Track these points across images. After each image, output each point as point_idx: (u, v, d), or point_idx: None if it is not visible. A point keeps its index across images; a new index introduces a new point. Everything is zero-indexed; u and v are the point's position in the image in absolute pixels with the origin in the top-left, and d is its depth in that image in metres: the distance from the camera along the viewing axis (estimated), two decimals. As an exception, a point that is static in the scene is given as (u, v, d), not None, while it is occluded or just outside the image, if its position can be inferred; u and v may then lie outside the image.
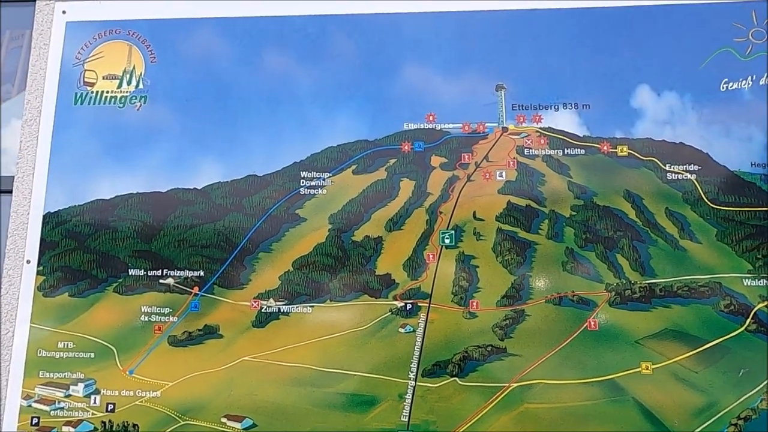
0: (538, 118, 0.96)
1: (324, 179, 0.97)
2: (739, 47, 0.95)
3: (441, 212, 0.94)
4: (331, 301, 0.93)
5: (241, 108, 0.99)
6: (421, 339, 0.90)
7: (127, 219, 0.98)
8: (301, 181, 0.97)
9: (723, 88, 0.94)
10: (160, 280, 0.95)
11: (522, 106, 0.97)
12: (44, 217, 0.98)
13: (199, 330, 0.93)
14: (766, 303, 0.88)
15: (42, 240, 0.98)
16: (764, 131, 0.92)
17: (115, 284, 0.96)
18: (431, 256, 0.93)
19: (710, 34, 0.96)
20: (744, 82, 0.94)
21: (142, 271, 0.96)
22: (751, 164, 0.92)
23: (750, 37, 0.95)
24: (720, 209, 0.91)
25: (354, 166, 0.97)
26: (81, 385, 0.93)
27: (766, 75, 0.94)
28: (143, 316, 0.94)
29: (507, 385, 0.88)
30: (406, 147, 0.97)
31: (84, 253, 0.97)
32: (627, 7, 0.98)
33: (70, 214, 0.98)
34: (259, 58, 1.01)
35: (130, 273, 0.96)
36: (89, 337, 0.94)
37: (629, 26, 0.97)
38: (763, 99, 0.93)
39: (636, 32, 0.97)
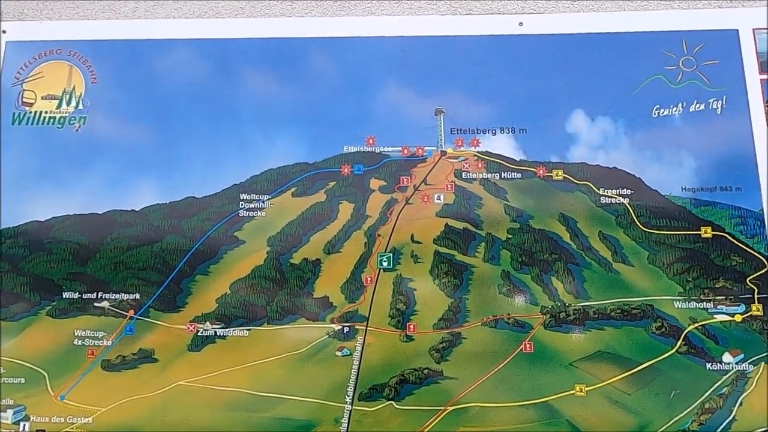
0: (476, 142, 0.98)
1: (263, 201, 0.97)
2: (670, 75, 0.98)
3: (379, 235, 0.95)
4: (268, 324, 0.92)
5: (182, 130, 0.99)
6: (358, 362, 0.90)
7: (63, 241, 0.96)
8: (241, 203, 0.97)
9: (654, 114, 0.97)
10: (95, 303, 0.94)
11: (460, 130, 0.98)
12: (-23, 238, 0.97)
13: (134, 354, 0.92)
14: (696, 325, 0.89)
15: (-26, 262, 0.96)
16: (694, 157, 0.95)
17: (48, 307, 0.94)
18: (369, 278, 0.93)
19: (642, 61, 0.99)
20: (675, 108, 0.97)
21: (77, 294, 0.94)
22: (682, 188, 0.94)
23: (680, 65, 0.98)
24: (652, 233, 0.93)
25: (293, 189, 0.97)
26: (10, 412, 0.90)
27: (695, 102, 0.97)
28: (76, 339, 0.92)
29: (443, 408, 0.87)
30: (346, 170, 0.98)
31: (17, 276, 0.95)
32: (561, 34, 1.00)
33: (4, 236, 0.97)
34: (200, 80, 1.01)
35: (64, 296, 0.94)
36: (20, 362, 0.92)
37: (564, 53, 0.99)
38: (693, 125, 0.96)
39: (570, 59, 0.99)
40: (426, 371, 0.89)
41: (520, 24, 1.01)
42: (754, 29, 0.98)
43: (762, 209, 0.92)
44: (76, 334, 0.93)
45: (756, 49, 0.98)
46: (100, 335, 0.93)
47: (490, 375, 0.88)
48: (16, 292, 0.95)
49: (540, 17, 1.01)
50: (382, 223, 0.95)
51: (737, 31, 0.99)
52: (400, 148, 0.98)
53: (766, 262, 0.90)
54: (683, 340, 0.89)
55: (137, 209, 0.97)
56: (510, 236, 0.94)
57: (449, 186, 0.96)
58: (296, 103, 0.99)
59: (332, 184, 0.97)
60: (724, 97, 0.96)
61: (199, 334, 0.92)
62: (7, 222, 0.97)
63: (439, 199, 0.96)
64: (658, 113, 0.97)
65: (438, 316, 0.91)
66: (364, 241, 0.95)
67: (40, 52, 1.03)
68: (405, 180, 0.97)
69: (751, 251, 0.91)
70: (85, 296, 0.94)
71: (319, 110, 0.99)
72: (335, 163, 0.98)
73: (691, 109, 0.97)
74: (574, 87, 0.98)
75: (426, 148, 0.98)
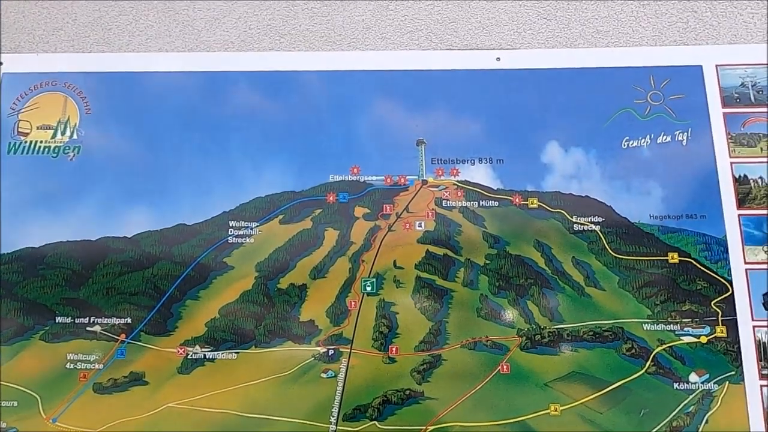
0: (455, 171, 1.02)
1: (252, 228, 1.00)
2: (638, 108, 1.03)
3: (363, 261, 0.99)
4: (256, 347, 0.96)
5: (173, 159, 1.03)
6: (342, 384, 0.93)
7: (56, 267, 0.99)
8: (230, 230, 1.00)
9: (624, 145, 1.02)
10: (87, 328, 0.97)
11: (441, 160, 1.03)
12: (-28, 264, 1.00)
13: (125, 377, 0.95)
14: (664, 347, 0.94)
15: (-31, 288, 0.99)
16: (661, 186, 1.00)
17: (41, 332, 0.97)
18: (353, 303, 0.97)
19: (613, 95, 1.04)
20: (643, 140, 1.02)
21: (69, 318, 0.97)
22: (650, 216, 0.99)
23: (648, 99, 1.04)
24: (622, 258, 0.98)
25: (281, 216, 1.01)
26: (3, 434, 0.93)
27: (662, 134, 1.02)
28: (68, 363, 0.95)
29: (424, 428, 0.91)
30: (331, 198, 1.02)
31: (11, 301, 0.98)
32: (537, 69, 1.05)
33: (-1, 262, 1.00)
34: (190, 111, 1.05)
35: (57, 320, 0.97)
36: (12, 385, 0.94)
37: (539, 87, 1.05)
38: (661, 156, 1.01)
39: (545, 93, 1.04)
40: (408, 392, 0.93)
41: (498, 59, 1.06)
42: (717, 65, 1.04)
43: (725, 236, 0.97)
44: (68, 357, 0.95)
45: (719, 84, 1.04)
46: (92, 359, 0.96)
47: (470, 395, 0.92)
48: (10, 317, 0.97)
49: (516, 53, 1.07)
50: (366, 249, 0.99)
51: (701, 67, 1.05)
52: (383, 177, 1.02)
53: (729, 286, 0.95)
54: (652, 361, 0.93)
55: (129, 236, 1.00)
56: (488, 262, 0.99)
57: (430, 213, 1.01)
58: (284, 133, 1.04)
59: (318, 211, 1.01)
60: (690, 130, 1.02)
61: (188, 357, 0.95)
62: (3, 248, 1.00)
63: (420, 226, 1.00)
64: (628, 144, 1.02)
65: (419, 339, 0.95)
66: (349, 266, 0.99)
67: (36, 84, 1.07)
68: (388, 208, 1.01)
69: (716, 276, 0.96)
70: (77, 321, 0.97)
71: (305, 141, 1.03)
72: (321, 191, 1.02)
73: (658, 141, 1.02)
74: (549, 119, 1.03)
75: (408, 177, 1.02)
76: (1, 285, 0.98)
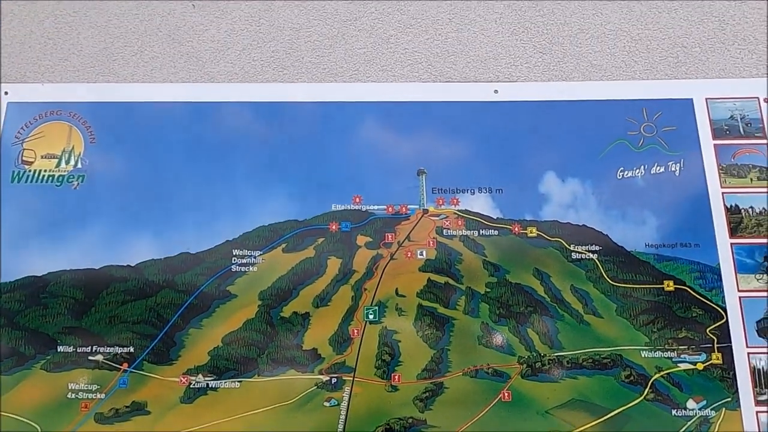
0: (455, 201, 1.04)
1: (255, 257, 1.01)
2: (632, 140, 1.07)
3: (365, 289, 1.00)
4: (259, 375, 0.96)
5: (176, 188, 1.04)
6: (345, 412, 0.94)
7: (59, 296, 0.99)
8: (233, 258, 1.01)
9: (619, 176, 1.05)
10: (89, 357, 0.97)
11: (441, 189, 1.05)
12: (-27, 293, 0.99)
13: (127, 407, 0.94)
14: (662, 373, 0.96)
15: (-30, 317, 0.98)
16: (656, 215, 1.03)
17: (42, 361, 0.96)
18: (356, 331, 0.98)
19: (607, 127, 1.07)
20: (637, 171, 1.05)
21: (71, 347, 0.97)
22: (645, 245, 1.02)
23: (641, 131, 1.07)
24: (619, 286, 1.00)
25: (284, 245, 1.02)
26: (2, 466, 0.92)
27: (656, 165, 1.05)
28: (70, 393, 0.95)
29: (427, 456, 0.92)
30: (334, 227, 1.03)
31: (13, 330, 0.98)
32: (533, 101, 1.09)
33: (1, 290, 0.99)
34: (194, 141, 1.07)
35: (58, 350, 0.97)
36: (13, 416, 0.94)
37: (536, 119, 1.08)
38: (655, 186, 1.04)
39: (542, 125, 1.07)
40: (410, 420, 0.93)
41: (496, 91, 1.09)
42: (707, 98, 1.08)
43: (718, 264, 1.00)
44: (69, 387, 0.95)
45: (709, 117, 1.07)
46: (94, 388, 0.95)
47: (472, 423, 0.93)
48: (11, 347, 0.97)
49: (514, 85, 1.10)
50: (368, 278, 1.01)
51: (692, 100, 1.08)
52: (385, 207, 1.04)
53: (723, 313, 0.98)
54: (650, 388, 0.95)
55: (133, 264, 1.01)
56: (488, 290, 1.00)
57: (431, 242, 1.02)
58: (286, 163, 1.05)
59: (321, 240, 1.03)
60: (682, 160, 1.05)
61: (191, 386, 0.95)
62: (5, 277, 1.00)
63: (421, 254, 1.02)
64: (623, 175, 1.05)
65: (422, 367, 0.96)
66: (351, 294, 1.00)
67: (40, 113, 1.08)
68: (390, 236, 1.03)
69: (710, 303, 0.98)
70: (79, 350, 0.97)
71: (308, 170, 1.05)
72: (324, 220, 1.03)
73: (652, 171, 1.05)
74: (546, 150, 1.06)
75: (409, 206, 1.04)
76: (1, 314, 0.98)
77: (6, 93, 1.09)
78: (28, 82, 1.10)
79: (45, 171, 1.05)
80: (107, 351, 0.97)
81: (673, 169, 1.05)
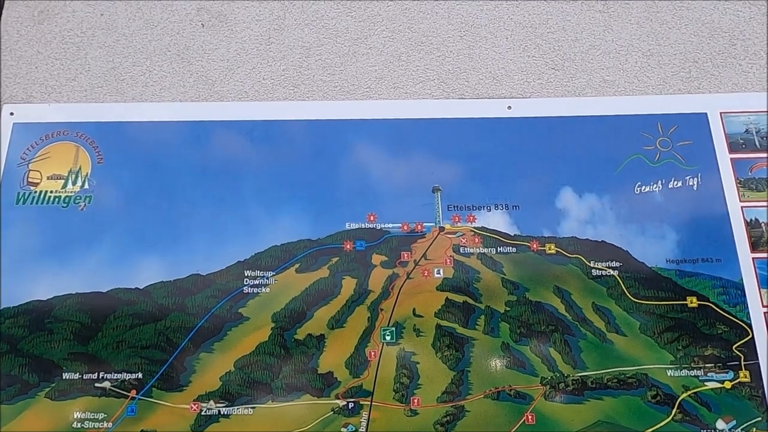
0: (472, 218, 1.02)
1: (267, 278, 0.99)
2: (648, 154, 1.05)
3: (382, 309, 0.97)
4: (273, 401, 0.92)
5: (186, 208, 1.02)
6: (363, 438, 0.90)
7: (64, 320, 0.96)
8: (245, 279, 0.98)
9: (637, 191, 1.03)
10: (96, 384, 0.93)
11: (457, 206, 1.03)
12: (-25, 319, 0.96)
13: (135, 436, 0.90)
14: (689, 393, 0.93)
15: (-29, 344, 0.94)
16: (675, 230, 1.01)
17: (47, 389, 0.92)
18: (373, 353, 0.95)
19: (623, 142, 1.06)
20: (655, 185, 1.04)
21: (77, 374, 0.93)
22: (666, 260, 1.00)
23: (657, 145, 1.06)
24: (642, 303, 0.98)
25: (297, 265, 1.00)
26: (3, 501, 0.87)
27: (673, 179, 1.04)
28: (75, 422, 0.91)
29: (449, 483, 0.88)
30: (348, 246, 1.01)
31: (16, 357, 0.94)
32: (547, 117, 1.08)
33: (4, 315, 0.96)
34: (204, 160, 1.05)
35: (64, 377, 0.93)
36: (15, 447, 0.90)
37: (550, 135, 1.06)
38: (673, 201, 1.03)
39: (556, 140, 1.06)
40: (431, 446, 0.90)
41: (509, 107, 1.08)
42: (721, 113, 1.07)
43: (741, 279, 0.98)
44: (75, 416, 0.91)
45: (724, 131, 1.06)
46: (101, 417, 0.91)
47: (495, 448, 0.90)
48: (14, 374, 0.93)
49: (527, 101, 1.09)
50: (385, 298, 0.98)
51: (706, 114, 1.07)
52: (400, 225, 1.02)
53: (749, 329, 0.95)
54: (678, 408, 0.92)
55: (141, 287, 0.98)
56: (508, 309, 0.98)
57: (448, 260, 1.00)
58: (299, 181, 1.03)
59: (335, 260, 1.00)
60: (699, 175, 1.04)
61: (202, 413, 0.91)
62: (8, 302, 0.96)
63: (438, 273, 0.99)
64: (640, 190, 1.03)
65: (441, 389, 0.93)
66: (367, 315, 0.97)
67: (47, 134, 1.06)
68: (405, 255, 1.00)
69: (735, 319, 0.96)
70: (85, 377, 0.93)
71: (320, 189, 1.03)
72: (338, 239, 1.01)
73: (670, 186, 1.04)
74: (561, 166, 1.05)
75: (425, 224, 1.02)
76: (5, 340, 0.95)
77: (12, 114, 1.07)
78: (35, 102, 1.08)
79: (51, 192, 1.02)
80: (115, 377, 0.93)
81: (690, 183, 1.04)
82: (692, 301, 0.97)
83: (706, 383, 0.93)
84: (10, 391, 0.92)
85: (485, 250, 1.01)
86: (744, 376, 0.93)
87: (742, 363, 0.94)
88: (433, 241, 1.01)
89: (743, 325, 0.96)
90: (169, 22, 1.14)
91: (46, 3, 1.15)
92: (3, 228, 1.00)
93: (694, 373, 0.94)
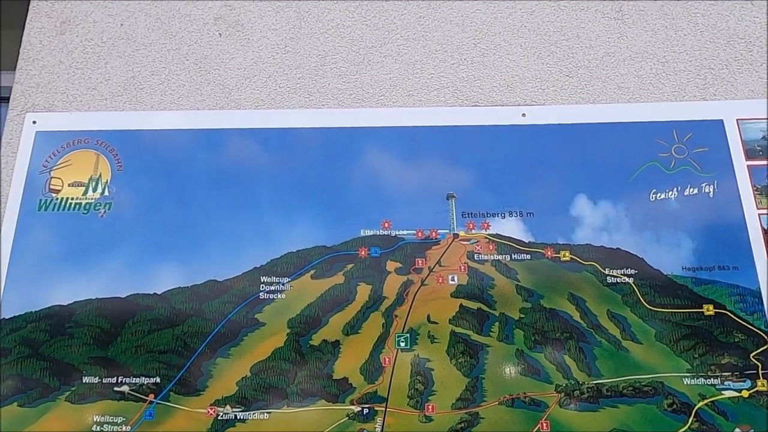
0: (486, 225, 1.03)
1: (283, 284, 1.00)
2: (664, 161, 1.05)
3: (396, 316, 0.98)
4: (288, 406, 0.93)
5: (203, 216, 1.03)
6: (377, 444, 0.91)
7: (84, 325, 0.98)
8: (261, 285, 0.99)
9: (652, 198, 1.03)
10: (115, 388, 0.94)
11: (471, 213, 1.03)
12: (-2, 323, 0.98)
13: (153, 440, 0.92)
14: (706, 401, 0.92)
15: (-6, 347, 0.97)
16: (691, 238, 1.00)
17: (67, 392, 0.94)
18: (387, 359, 0.95)
19: (637, 149, 1.06)
20: (670, 192, 1.03)
21: (97, 378, 0.95)
22: (682, 268, 0.99)
23: (673, 152, 1.05)
24: (657, 311, 0.97)
25: (312, 271, 1.01)
26: (24, 503, 0.89)
27: (689, 186, 1.03)
28: (95, 426, 0.92)
29: (463, 490, 0.88)
30: (363, 252, 1.01)
31: (37, 361, 0.96)
32: (561, 124, 1.08)
33: (26, 320, 0.98)
34: (221, 167, 1.06)
35: (84, 380, 0.95)
36: (36, 449, 0.91)
37: (564, 142, 1.06)
38: (689, 208, 1.02)
39: (571, 147, 1.06)
40: (446, 452, 0.90)
41: (523, 115, 1.09)
42: (738, 119, 1.07)
43: (758, 287, 0.97)
44: (94, 419, 0.93)
45: (741, 138, 1.06)
46: (119, 420, 0.93)
47: (509, 455, 0.90)
48: (36, 378, 0.95)
49: (541, 108, 1.09)
50: (399, 304, 0.98)
51: (722, 121, 1.07)
52: (415, 232, 1.02)
53: (766, 338, 0.95)
54: (695, 417, 0.91)
55: (159, 293, 0.99)
56: (522, 315, 0.98)
57: (462, 267, 1.00)
58: (314, 189, 1.05)
59: (350, 266, 1.01)
60: (715, 182, 1.03)
61: (219, 417, 0.92)
62: (30, 306, 0.98)
63: (453, 280, 1.00)
64: (656, 197, 1.03)
65: (456, 396, 0.93)
66: (382, 322, 0.97)
67: (68, 141, 1.08)
68: (420, 262, 1.01)
69: (752, 328, 0.95)
70: (105, 380, 0.95)
71: (335, 196, 1.04)
72: (353, 246, 1.02)
73: (685, 193, 1.03)
74: (575, 173, 1.05)
75: (439, 231, 1.02)
76: (26, 344, 0.97)
77: (34, 122, 1.09)
78: (57, 111, 1.10)
79: (72, 199, 1.04)
80: (133, 381, 0.95)
81: (706, 190, 1.03)
82: (709, 309, 0.97)
83: (723, 392, 0.92)
84: (32, 394, 0.94)
85: (500, 257, 1.01)
86: (762, 384, 0.92)
87: (760, 372, 0.93)
88: (448, 247, 1.02)
89: (761, 333, 0.95)
90: (187, 32, 1.16)
91: (67, 14, 1.18)
92: (25, 234, 1.02)
93: (710, 381, 0.93)
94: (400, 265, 1.01)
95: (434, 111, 1.10)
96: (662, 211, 1.02)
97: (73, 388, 0.94)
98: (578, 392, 0.93)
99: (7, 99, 1.13)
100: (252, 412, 0.93)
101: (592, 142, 1.07)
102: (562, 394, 0.93)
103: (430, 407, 0.92)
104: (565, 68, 1.12)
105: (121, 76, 1.13)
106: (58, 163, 1.07)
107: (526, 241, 1.01)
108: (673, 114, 1.08)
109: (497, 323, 0.97)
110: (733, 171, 1.04)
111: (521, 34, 1.15)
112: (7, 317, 0.98)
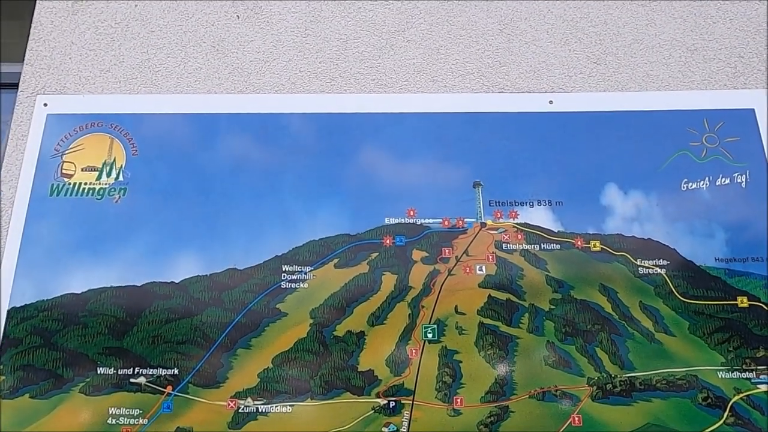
0: (514, 214, 1.00)
1: (306, 273, 0.96)
2: (695, 151, 1.03)
3: (423, 306, 0.95)
4: (312, 399, 0.90)
5: (223, 202, 1.00)
6: (405, 438, 0.88)
7: (99, 314, 0.94)
8: (283, 274, 0.96)
9: (684, 187, 1.01)
10: (131, 379, 0.91)
11: (498, 202, 1.00)
12: (8, 312, 0.94)
13: (171, 433, 0.88)
14: (741, 395, 0.90)
15: (5, 336, 0.92)
16: (724, 228, 0.98)
17: (81, 384, 0.90)
18: (414, 351, 0.92)
19: (668, 138, 1.03)
20: (702, 182, 1.01)
21: (112, 369, 0.91)
22: (715, 259, 0.97)
23: (704, 141, 1.03)
24: (690, 303, 0.95)
25: (336, 260, 0.97)
26: (36, 498, 0.85)
27: (720, 176, 1.01)
28: (110, 418, 0.89)
29: (494, 486, 0.85)
30: (388, 241, 0.98)
31: (50, 351, 0.92)
32: (590, 112, 1.05)
33: (38, 309, 0.94)
34: (241, 153, 1.03)
35: (98, 372, 0.91)
36: (50, 443, 0.88)
37: (593, 130, 1.04)
38: (721, 198, 1.00)
39: (600, 136, 1.03)
40: (475, 447, 0.87)
41: (551, 102, 1.06)
42: (769, 109, 1.05)
43: (793, 279, 0.95)
44: (110, 412, 0.89)
45: (773, 127, 1.04)
46: (136, 413, 0.89)
47: (541, 450, 0.87)
48: (48, 368, 0.91)
49: (569, 96, 1.06)
50: (426, 294, 0.95)
51: (753, 110, 1.05)
52: (441, 220, 0.99)
53: (802, 331, 0.93)
54: (730, 411, 0.89)
55: (177, 281, 0.96)
56: (553, 307, 0.95)
57: (490, 257, 0.97)
58: (337, 176, 1.01)
59: (374, 255, 0.98)
60: (747, 172, 1.01)
61: (240, 410, 0.89)
62: (42, 295, 0.95)
63: (481, 270, 0.97)
64: (687, 187, 1.01)
65: (485, 389, 0.90)
66: (408, 312, 0.94)
67: (81, 125, 1.04)
68: (447, 251, 0.98)
69: (787, 321, 0.93)
70: (120, 372, 0.91)
71: (359, 183, 1.01)
72: (377, 234, 0.99)
73: (717, 183, 1.01)
74: (605, 162, 1.02)
75: (466, 219, 1.00)
76: (39, 333, 0.93)
77: (45, 104, 1.05)
78: (69, 94, 1.06)
79: (85, 184, 1.00)
80: (150, 373, 0.91)
81: (739, 180, 1.01)
82: (743, 302, 0.94)
83: (758, 386, 0.90)
84: (44, 386, 0.90)
85: (528, 247, 0.98)
86: (798, 378, 0.90)
87: (796, 365, 0.91)
88: (475, 237, 0.99)
89: (796, 326, 0.93)
90: (203, 14, 1.12)
91: (79, -6, 1.14)
92: (36, 220, 0.98)
93: (745, 375, 0.91)
94: (427, 255, 0.98)
95: (459, 97, 1.07)
96: (694, 201, 1.00)
97: (88, 380, 0.91)
98: (611, 385, 0.90)
99: (14, 85, 1.09)
100: (274, 405, 0.89)
101: (622, 131, 1.04)
102: (594, 388, 0.90)
103: (458, 400, 0.89)
104: (592, 55, 1.09)
105: (136, 59, 1.09)
106: (71, 146, 1.03)
107: (556, 231, 0.99)
108: (704, 103, 1.06)
109: (527, 314, 0.94)
110: (766, 161, 1.02)
111: (547, 19, 1.12)
112: (17, 306, 0.94)
